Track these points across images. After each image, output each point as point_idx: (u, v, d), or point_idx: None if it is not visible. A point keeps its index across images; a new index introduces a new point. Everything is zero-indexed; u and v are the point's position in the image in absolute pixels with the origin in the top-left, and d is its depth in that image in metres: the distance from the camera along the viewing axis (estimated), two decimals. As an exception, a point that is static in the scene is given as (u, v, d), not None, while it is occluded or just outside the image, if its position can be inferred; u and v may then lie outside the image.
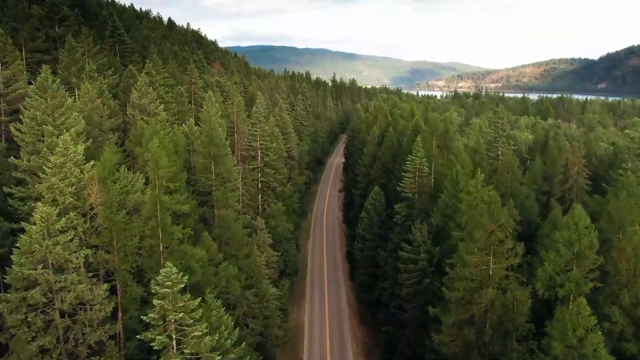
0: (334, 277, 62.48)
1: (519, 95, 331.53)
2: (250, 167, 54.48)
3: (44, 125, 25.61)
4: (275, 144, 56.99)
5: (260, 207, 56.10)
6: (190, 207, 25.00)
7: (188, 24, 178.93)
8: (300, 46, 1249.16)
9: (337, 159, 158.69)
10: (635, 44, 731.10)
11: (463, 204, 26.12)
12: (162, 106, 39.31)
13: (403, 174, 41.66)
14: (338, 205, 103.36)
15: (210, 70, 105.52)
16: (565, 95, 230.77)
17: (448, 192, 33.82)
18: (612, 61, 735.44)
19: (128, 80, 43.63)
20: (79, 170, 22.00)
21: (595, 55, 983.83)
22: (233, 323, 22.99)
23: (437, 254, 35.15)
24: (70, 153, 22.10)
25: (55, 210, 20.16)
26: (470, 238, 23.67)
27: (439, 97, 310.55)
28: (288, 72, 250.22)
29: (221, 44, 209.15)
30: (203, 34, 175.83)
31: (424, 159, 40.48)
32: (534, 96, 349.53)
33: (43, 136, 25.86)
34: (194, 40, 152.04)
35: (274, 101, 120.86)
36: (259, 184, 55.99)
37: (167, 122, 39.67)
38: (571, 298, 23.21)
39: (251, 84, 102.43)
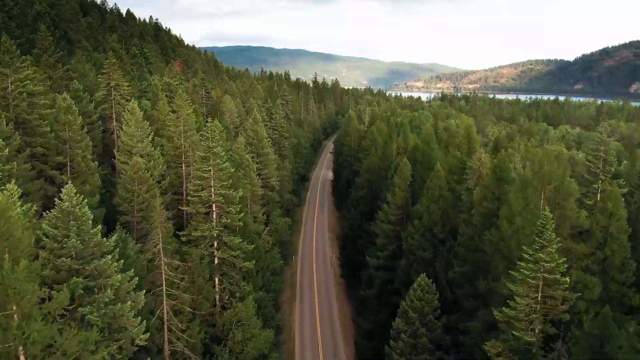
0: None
1: (510, 97, 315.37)
2: (199, 233, 31.39)
3: None
4: (241, 190, 33.89)
5: (217, 299, 33.01)
6: None
7: (151, 17, 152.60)
8: (278, 47, 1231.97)
9: (322, 171, 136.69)
10: (610, 45, 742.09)
11: None
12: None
13: (512, 287, 19.38)
14: (329, 240, 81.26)
15: (164, 70, 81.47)
16: (564, 98, 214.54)
17: None
18: (588, 62, 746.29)
19: None
20: None
21: (570, 57, 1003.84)
22: None
23: None
24: None
25: None
26: None
27: (424, 99, 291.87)
28: (265, 72, 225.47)
29: (198, 45, 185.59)
30: (166, 28, 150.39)
31: (560, 259, 18.43)
32: (513, 97, 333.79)
33: None
34: (153, 34, 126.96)
35: (248, 108, 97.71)
36: (215, 260, 32.97)
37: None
38: None
39: (216, 87, 78.73)
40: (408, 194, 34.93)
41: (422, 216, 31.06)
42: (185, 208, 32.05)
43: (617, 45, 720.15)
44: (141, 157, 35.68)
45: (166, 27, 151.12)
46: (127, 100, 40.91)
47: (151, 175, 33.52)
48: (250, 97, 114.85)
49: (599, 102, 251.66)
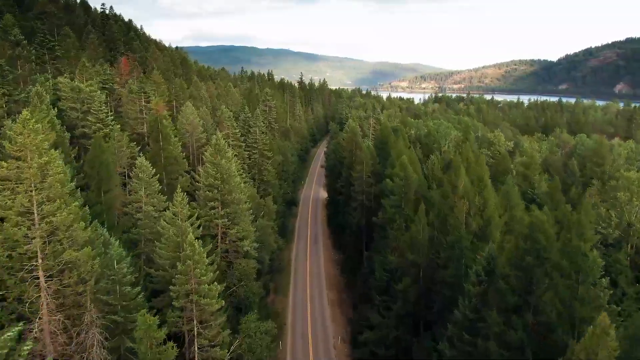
0: None
1: (508, 98, 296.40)
2: None
3: None
4: None
5: None
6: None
7: (111, 7, 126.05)
8: (261, 46, 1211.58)
9: (312, 189, 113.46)
10: (593, 46, 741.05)
11: None
12: None
13: None
14: (329, 305, 58.31)
15: (83, 69, 57.00)
16: (574, 100, 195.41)
17: None
18: (572, 62, 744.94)
19: None
20: None
21: (554, 57, 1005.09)
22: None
23: None
24: None
25: None
26: None
27: (416, 101, 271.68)
28: (246, 71, 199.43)
29: (180, 45, 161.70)
30: (129, 20, 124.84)
31: None
32: (499, 97, 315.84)
33: None
34: (100, 23, 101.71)
35: (218, 119, 74.08)
36: None
37: None
38: None
39: (158, 93, 54.44)
40: None
41: None
42: None
43: (600, 45, 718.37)
44: None
45: (129, 20, 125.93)
46: None
47: None
48: (224, 103, 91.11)
49: (598, 103, 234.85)
